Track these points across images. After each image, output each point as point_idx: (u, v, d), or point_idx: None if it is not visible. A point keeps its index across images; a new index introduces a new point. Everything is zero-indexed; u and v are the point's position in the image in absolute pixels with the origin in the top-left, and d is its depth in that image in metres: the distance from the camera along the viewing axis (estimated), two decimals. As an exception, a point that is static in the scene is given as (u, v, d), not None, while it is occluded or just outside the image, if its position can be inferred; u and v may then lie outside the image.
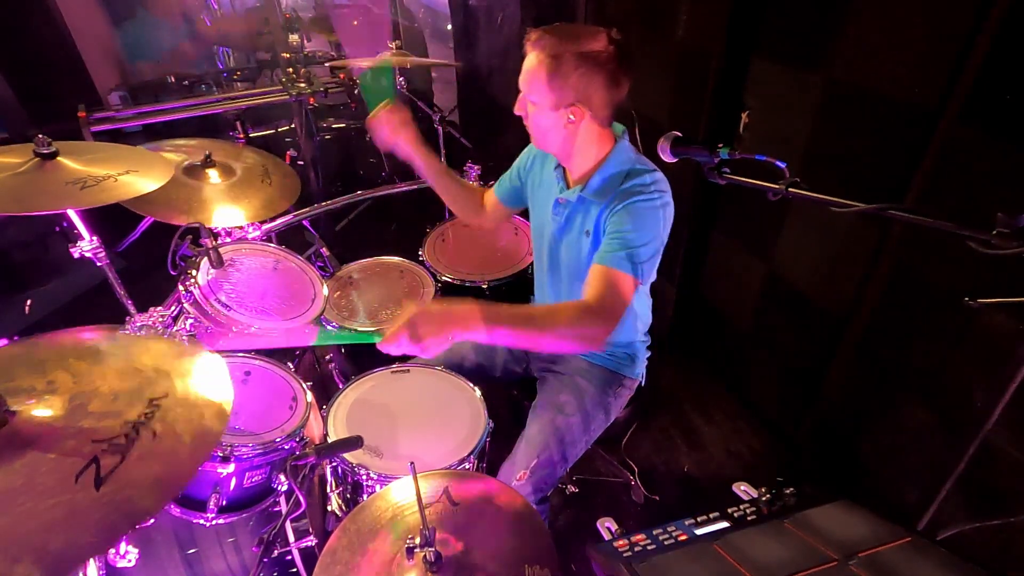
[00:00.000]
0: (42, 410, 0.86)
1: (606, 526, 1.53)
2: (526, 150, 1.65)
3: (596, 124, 1.33)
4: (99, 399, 0.90)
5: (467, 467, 1.36)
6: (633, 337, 1.58)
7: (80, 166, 1.38)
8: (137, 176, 1.39)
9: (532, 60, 1.28)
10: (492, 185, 1.76)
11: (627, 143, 1.40)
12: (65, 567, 0.69)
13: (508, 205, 1.72)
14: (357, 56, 1.52)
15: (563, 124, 1.32)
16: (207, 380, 0.99)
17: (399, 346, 1.06)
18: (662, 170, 1.35)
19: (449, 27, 4.08)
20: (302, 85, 2.80)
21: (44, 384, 0.89)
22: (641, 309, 1.54)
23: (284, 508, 1.43)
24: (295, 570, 1.50)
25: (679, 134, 1.17)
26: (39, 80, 2.86)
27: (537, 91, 1.29)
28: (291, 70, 2.83)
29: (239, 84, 3.43)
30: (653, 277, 1.40)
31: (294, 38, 2.92)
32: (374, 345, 1.11)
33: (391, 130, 1.52)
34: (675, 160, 1.19)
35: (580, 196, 1.40)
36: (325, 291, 1.83)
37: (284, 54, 2.91)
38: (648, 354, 1.64)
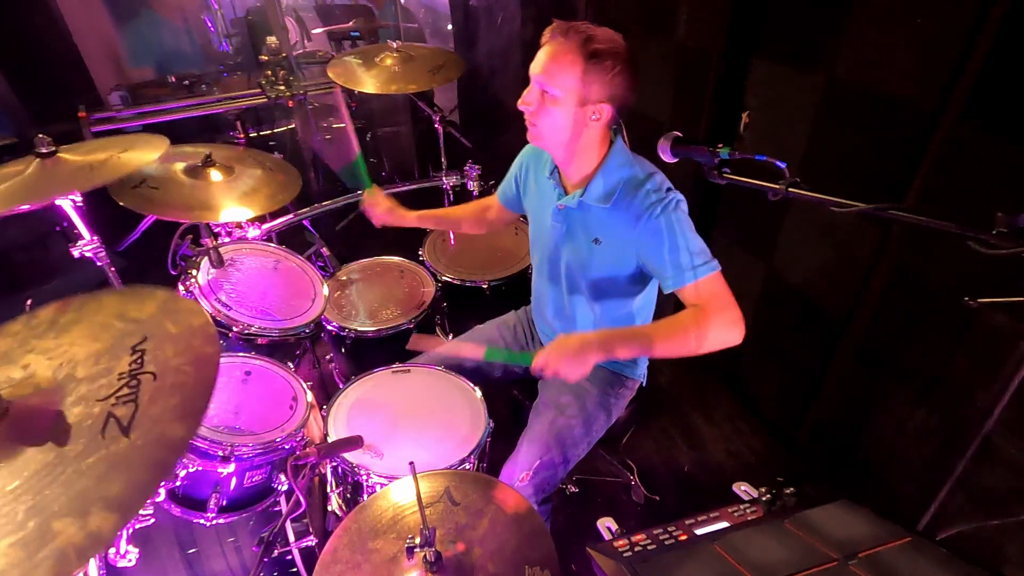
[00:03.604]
0: (33, 392, 0.86)
1: (606, 526, 1.52)
2: (519, 158, 1.62)
3: (607, 125, 1.32)
4: (82, 365, 0.89)
5: (467, 467, 1.36)
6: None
7: (80, 156, 1.41)
8: (136, 151, 1.42)
9: (563, 51, 1.22)
10: (493, 185, 1.77)
11: (621, 143, 1.37)
12: (134, 504, 0.74)
13: (513, 210, 1.72)
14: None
15: (584, 122, 1.27)
16: (178, 312, 0.98)
17: (549, 369, 1.19)
18: (661, 170, 1.35)
19: (449, 27, 4.08)
20: (281, 88, 2.81)
21: (20, 371, 0.89)
22: (643, 309, 1.53)
23: (284, 508, 1.43)
24: (295, 570, 1.50)
25: (679, 134, 1.17)
26: (40, 80, 2.86)
27: (565, 84, 1.23)
28: (269, 72, 2.83)
29: (239, 84, 3.42)
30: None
31: (272, 40, 2.90)
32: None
33: (378, 219, 1.76)
34: (675, 160, 1.19)
35: (581, 202, 1.37)
36: (325, 291, 1.83)
37: (262, 56, 2.90)
38: (649, 354, 1.63)
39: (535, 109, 1.28)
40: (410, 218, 1.76)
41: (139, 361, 0.89)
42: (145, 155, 1.43)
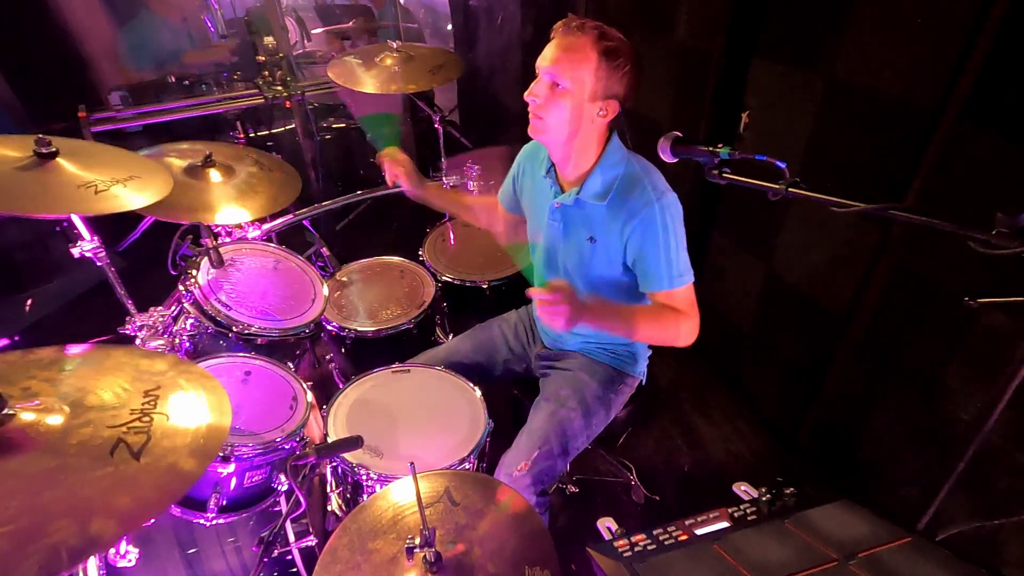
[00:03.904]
0: (40, 410, 0.86)
1: (606, 526, 1.52)
2: (516, 159, 1.63)
3: (608, 123, 1.33)
4: (93, 396, 0.91)
5: (467, 467, 1.36)
6: (634, 336, 1.57)
7: (79, 169, 1.36)
8: (139, 185, 1.39)
9: (578, 45, 1.22)
10: (494, 185, 1.77)
11: (618, 140, 1.38)
12: (138, 519, 0.76)
13: (514, 213, 1.72)
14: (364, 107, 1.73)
15: (590, 117, 1.28)
16: (190, 378, 1.01)
17: (550, 307, 1.20)
18: (661, 170, 1.35)
19: (449, 27, 4.08)
20: (278, 88, 2.81)
21: (20, 392, 0.89)
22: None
23: (284, 508, 1.43)
24: (295, 570, 1.50)
25: (679, 134, 1.17)
26: (40, 80, 2.85)
27: (577, 77, 1.23)
28: (267, 72, 2.83)
29: (239, 84, 3.43)
30: None
31: (269, 40, 2.90)
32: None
33: (392, 177, 1.72)
34: (675, 160, 1.19)
35: (577, 200, 1.38)
36: (325, 291, 1.83)
37: (259, 57, 2.90)
38: (649, 352, 1.64)
39: (543, 102, 1.28)
40: (429, 186, 1.75)
41: (152, 403, 0.92)
42: (149, 192, 1.38)
